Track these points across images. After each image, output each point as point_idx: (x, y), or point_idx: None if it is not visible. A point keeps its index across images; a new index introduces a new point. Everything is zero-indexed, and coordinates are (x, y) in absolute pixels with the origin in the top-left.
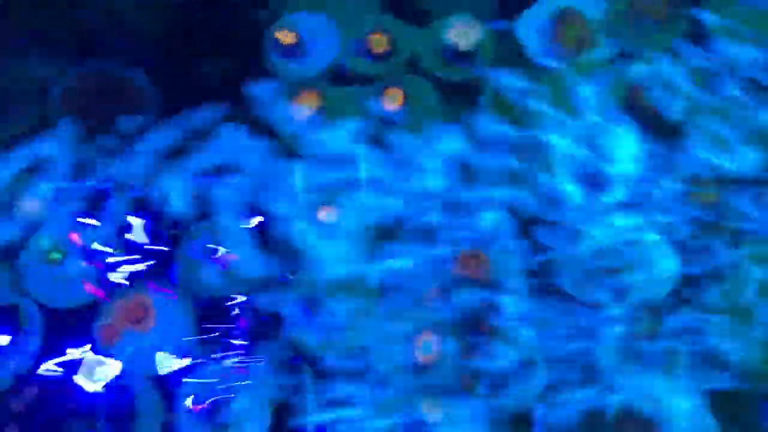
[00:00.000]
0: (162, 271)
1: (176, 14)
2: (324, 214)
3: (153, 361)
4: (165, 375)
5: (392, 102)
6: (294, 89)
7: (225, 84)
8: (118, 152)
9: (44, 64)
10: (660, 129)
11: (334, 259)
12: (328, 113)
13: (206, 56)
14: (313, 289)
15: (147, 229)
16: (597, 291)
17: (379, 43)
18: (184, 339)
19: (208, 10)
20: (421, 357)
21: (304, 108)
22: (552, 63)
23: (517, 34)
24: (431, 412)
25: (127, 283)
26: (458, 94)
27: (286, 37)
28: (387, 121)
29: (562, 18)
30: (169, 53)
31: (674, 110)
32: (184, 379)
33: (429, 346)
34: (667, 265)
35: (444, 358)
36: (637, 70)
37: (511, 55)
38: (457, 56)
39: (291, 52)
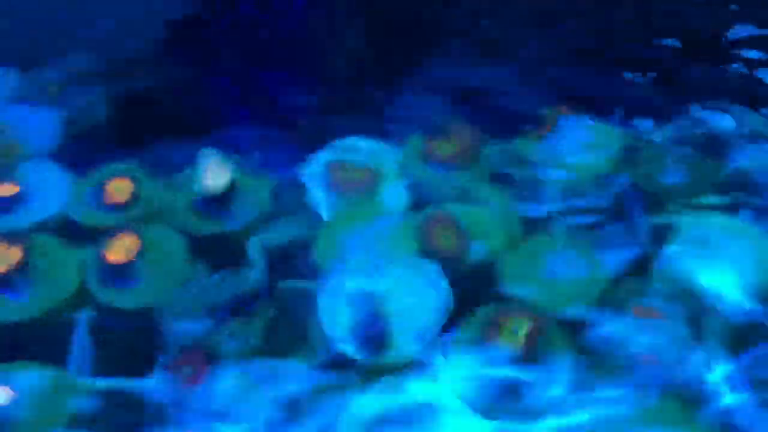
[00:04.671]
0: None
1: None
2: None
3: None
4: None
5: (123, 253)
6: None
7: None
8: None
9: None
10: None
11: None
12: (34, 269)
13: None
14: None
15: None
16: None
17: (118, 191)
18: None
19: None
20: None
21: None
22: (330, 211)
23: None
24: None
25: None
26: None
27: (5, 189)
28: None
29: (339, 166)
30: None
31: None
32: None
33: None
34: None
35: None
36: (433, 212)
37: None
38: (210, 203)
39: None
